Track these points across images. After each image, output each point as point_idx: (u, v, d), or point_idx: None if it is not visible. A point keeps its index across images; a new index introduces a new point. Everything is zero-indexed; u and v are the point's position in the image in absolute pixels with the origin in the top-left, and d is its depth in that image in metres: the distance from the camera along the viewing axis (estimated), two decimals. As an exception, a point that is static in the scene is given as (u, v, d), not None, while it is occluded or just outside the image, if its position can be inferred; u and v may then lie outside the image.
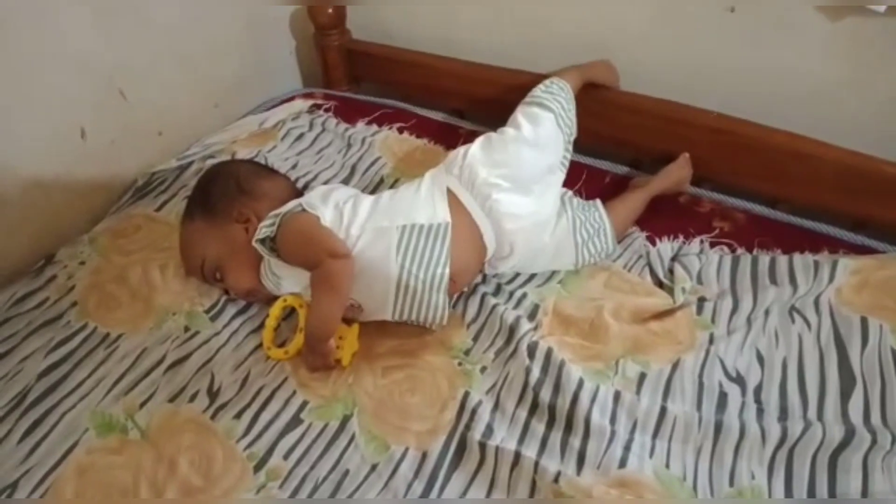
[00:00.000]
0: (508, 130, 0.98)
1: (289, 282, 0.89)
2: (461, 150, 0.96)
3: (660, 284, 0.96)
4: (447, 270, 0.86)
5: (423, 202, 0.91)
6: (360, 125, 1.32)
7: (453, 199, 0.92)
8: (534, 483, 0.72)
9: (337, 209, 0.91)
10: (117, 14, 1.09)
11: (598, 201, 1.02)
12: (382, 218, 0.89)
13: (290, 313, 0.92)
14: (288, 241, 0.86)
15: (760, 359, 0.84)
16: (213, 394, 0.84)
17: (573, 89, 1.05)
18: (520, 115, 0.99)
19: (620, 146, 1.19)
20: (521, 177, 0.93)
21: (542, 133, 0.97)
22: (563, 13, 1.19)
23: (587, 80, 1.12)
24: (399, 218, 0.89)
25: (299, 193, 1.01)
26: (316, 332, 0.82)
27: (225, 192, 0.94)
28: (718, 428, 0.76)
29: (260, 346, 0.89)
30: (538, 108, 0.99)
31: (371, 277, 0.85)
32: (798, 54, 1.02)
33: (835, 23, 0.97)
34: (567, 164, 1.03)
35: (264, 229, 0.87)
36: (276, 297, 0.92)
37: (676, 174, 1.09)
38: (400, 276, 0.85)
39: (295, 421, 0.80)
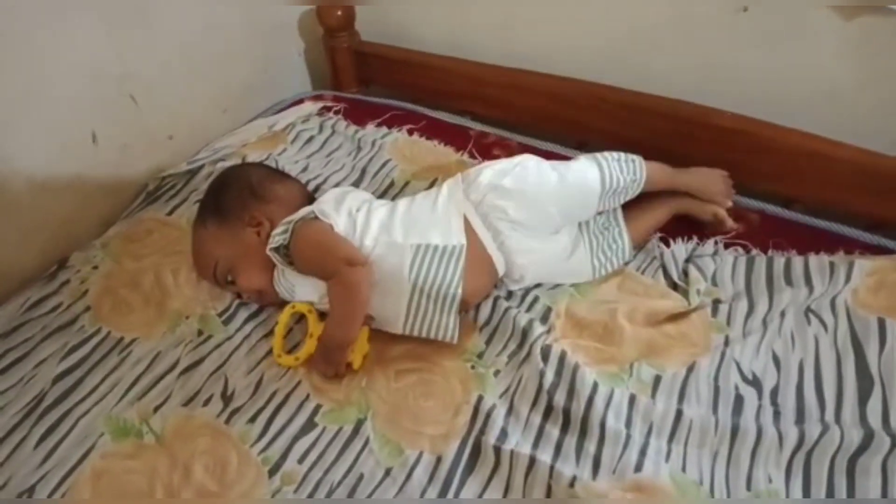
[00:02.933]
0: (552, 176, 0.90)
1: (303, 289, 0.89)
2: (488, 173, 0.90)
3: (674, 286, 0.95)
4: (459, 291, 0.85)
5: (439, 220, 0.90)
6: (370, 127, 1.32)
7: (468, 226, 0.90)
8: (549, 488, 0.71)
9: (350, 217, 0.91)
10: (127, 20, 1.10)
11: (620, 214, 0.98)
12: (397, 233, 0.89)
13: (297, 319, 0.92)
14: (302, 250, 0.86)
15: (776, 361, 0.83)
16: (226, 398, 0.84)
17: (652, 175, 0.94)
18: (574, 161, 0.93)
19: (634, 147, 1.17)
20: (538, 227, 0.90)
21: (573, 186, 0.90)
22: (573, 14, 1.18)
23: (679, 185, 0.99)
24: (414, 235, 0.88)
25: (311, 197, 1.01)
26: (335, 340, 0.82)
27: (237, 196, 0.94)
28: (735, 431, 0.75)
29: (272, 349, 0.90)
30: (588, 160, 0.92)
31: (383, 291, 0.85)
32: (812, 54, 1.02)
33: (848, 22, 0.96)
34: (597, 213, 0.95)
35: (277, 237, 0.87)
36: (287, 301, 0.92)
37: (711, 210, 1.01)
38: (412, 295, 0.84)
39: (309, 425, 0.80)
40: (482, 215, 0.90)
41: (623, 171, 0.92)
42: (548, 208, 0.89)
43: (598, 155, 0.94)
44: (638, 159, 0.95)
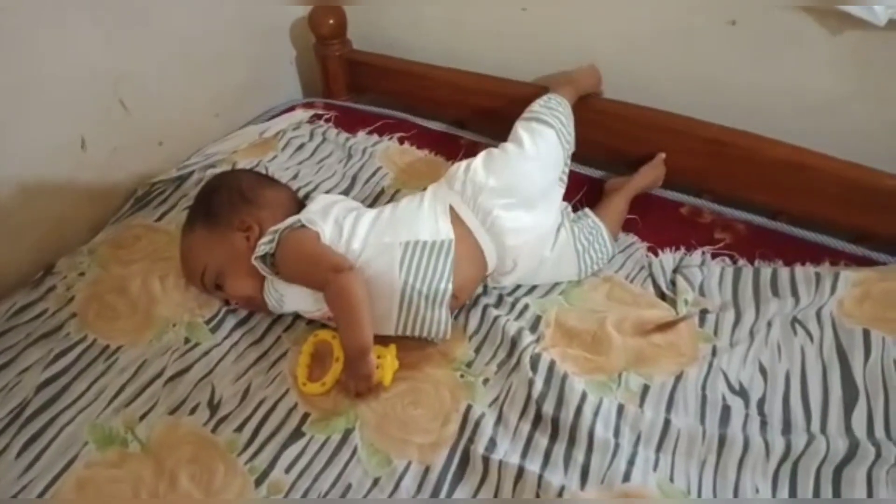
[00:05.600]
0: (510, 146, 0.98)
1: (292, 299, 0.89)
2: (462, 164, 0.96)
3: (662, 296, 0.96)
4: (450, 286, 0.86)
5: (425, 218, 0.91)
6: (361, 135, 1.32)
7: (455, 216, 0.92)
8: (537, 497, 0.71)
9: (337, 224, 0.90)
10: (119, 24, 1.09)
11: (588, 209, 1.03)
12: (385, 233, 0.89)
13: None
14: (288, 260, 0.86)
15: (763, 371, 0.84)
16: (213, 406, 0.83)
17: (570, 104, 1.06)
18: (521, 130, 1.00)
19: (622, 157, 1.19)
20: (523, 192, 0.93)
21: (543, 148, 0.98)
22: (565, 25, 1.20)
23: (580, 93, 1.13)
24: (402, 233, 0.89)
25: (301, 203, 1.01)
26: (353, 348, 0.80)
27: (227, 201, 0.94)
28: (722, 441, 0.76)
29: (261, 357, 0.89)
30: (538, 124, 1.00)
31: (374, 293, 0.84)
32: (799, 67, 1.03)
33: (836, 36, 0.98)
34: (566, 178, 1.03)
35: (263, 246, 0.87)
36: (275, 315, 0.92)
37: (653, 174, 1.12)
38: (403, 292, 0.84)
39: (296, 434, 0.79)
40: (469, 200, 0.92)
41: (558, 111, 1.03)
42: (525, 168, 0.95)
43: (538, 116, 1.01)
44: (559, 98, 1.05)
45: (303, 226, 0.88)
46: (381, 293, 0.85)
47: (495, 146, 1.00)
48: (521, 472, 0.73)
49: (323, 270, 0.83)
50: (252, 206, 0.94)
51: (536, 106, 1.03)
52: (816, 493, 0.72)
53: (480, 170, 0.94)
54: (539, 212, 0.95)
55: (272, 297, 0.89)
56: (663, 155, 1.12)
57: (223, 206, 0.94)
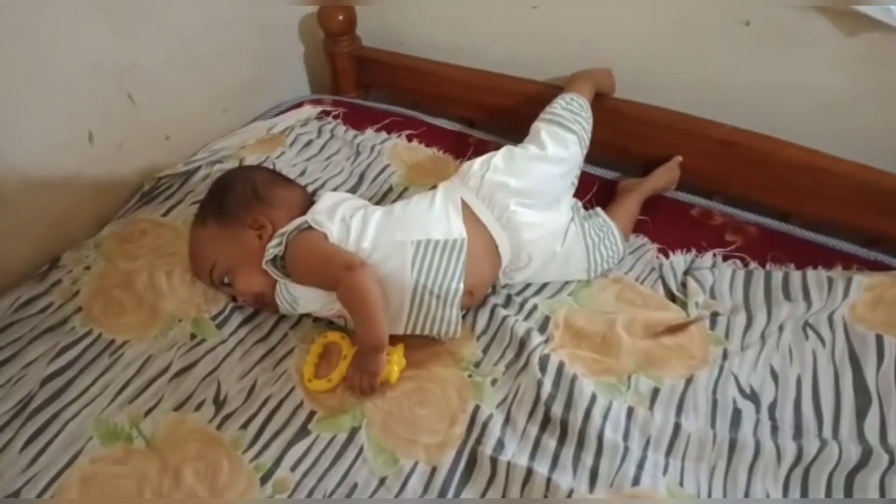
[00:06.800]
0: (532, 148, 0.97)
1: (306, 301, 0.88)
2: (478, 161, 0.95)
3: (672, 298, 0.95)
4: (461, 285, 0.85)
5: (437, 216, 0.90)
6: (369, 132, 1.31)
7: (467, 212, 0.91)
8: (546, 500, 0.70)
9: (343, 223, 0.90)
10: (127, 18, 1.09)
11: (599, 208, 1.03)
12: (396, 231, 0.88)
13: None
14: (299, 262, 0.85)
15: (774, 375, 0.83)
16: (219, 403, 0.83)
17: (589, 103, 1.05)
18: (543, 133, 0.99)
19: (633, 157, 1.18)
20: (542, 193, 0.94)
21: (564, 154, 0.98)
22: (574, 24, 1.19)
23: (596, 90, 1.12)
24: (414, 232, 0.88)
25: (313, 203, 1.00)
26: (368, 344, 0.80)
27: (240, 198, 0.93)
28: (733, 445, 0.75)
29: (267, 354, 0.88)
30: (560, 129, 0.99)
31: (385, 292, 0.83)
32: (813, 69, 1.02)
33: (850, 38, 0.97)
34: (577, 179, 1.04)
35: (271, 249, 0.87)
36: (287, 317, 0.92)
37: (668, 176, 1.11)
38: (414, 291, 0.84)
39: (302, 432, 0.79)
40: (484, 197, 0.91)
41: (581, 116, 1.02)
42: (548, 173, 0.95)
43: (562, 121, 1.00)
44: (581, 101, 1.03)
45: (310, 227, 0.88)
46: (392, 292, 0.84)
47: (504, 145, 0.99)
48: (529, 473, 0.72)
49: (335, 269, 0.82)
50: (265, 205, 0.93)
51: (559, 108, 1.02)
52: (828, 500, 0.71)
53: (501, 168, 0.93)
54: (550, 211, 0.95)
55: (285, 299, 0.88)
56: (679, 158, 1.11)
57: (236, 203, 0.93)
